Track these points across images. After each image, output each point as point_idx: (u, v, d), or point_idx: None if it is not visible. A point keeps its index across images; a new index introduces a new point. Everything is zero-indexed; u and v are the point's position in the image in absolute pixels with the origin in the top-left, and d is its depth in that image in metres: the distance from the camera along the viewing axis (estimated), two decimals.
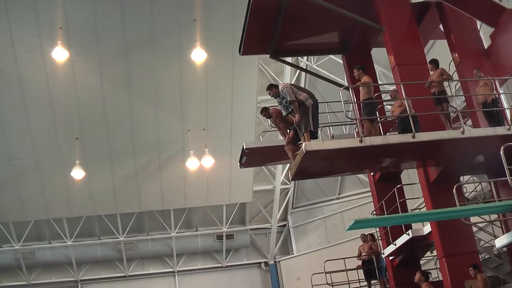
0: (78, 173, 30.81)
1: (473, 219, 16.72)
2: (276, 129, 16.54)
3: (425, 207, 17.38)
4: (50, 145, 30.92)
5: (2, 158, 30.84)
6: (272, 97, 15.76)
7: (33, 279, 36.10)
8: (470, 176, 20.01)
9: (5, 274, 35.88)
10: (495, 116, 15.83)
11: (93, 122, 30.56)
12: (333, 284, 21.28)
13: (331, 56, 30.06)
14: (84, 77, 28.96)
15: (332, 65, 31.34)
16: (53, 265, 36.07)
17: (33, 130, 30.17)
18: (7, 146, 30.43)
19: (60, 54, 26.38)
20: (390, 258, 19.86)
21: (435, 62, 16.44)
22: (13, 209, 33.17)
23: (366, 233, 21.76)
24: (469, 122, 17.90)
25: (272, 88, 15.36)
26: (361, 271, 21.62)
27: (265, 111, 15.83)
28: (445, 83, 16.45)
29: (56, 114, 29.82)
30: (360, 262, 21.50)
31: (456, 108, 17.04)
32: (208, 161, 31.56)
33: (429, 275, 17.76)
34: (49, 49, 26.73)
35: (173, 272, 37.02)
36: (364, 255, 21.17)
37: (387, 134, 17.27)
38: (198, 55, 27.24)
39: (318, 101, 15.14)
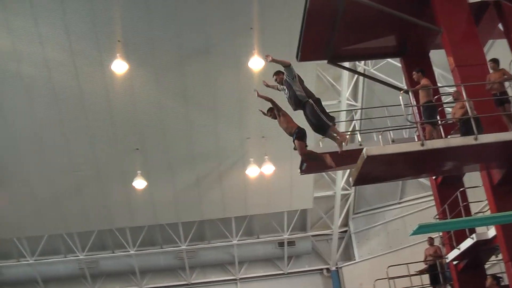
0: (139, 183, 31.29)
1: None
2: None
3: (489, 210, 17.10)
4: (111, 156, 31.39)
5: (65, 170, 31.42)
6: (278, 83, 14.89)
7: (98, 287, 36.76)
8: None
9: (70, 284, 36.61)
10: None
11: (153, 132, 30.90)
12: None
13: (389, 59, 29.75)
14: (142, 88, 29.33)
15: (390, 68, 31.03)
16: (117, 274, 36.56)
17: (94, 141, 30.68)
18: (69, 158, 30.98)
19: (119, 66, 26.79)
20: (454, 262, 19.58)
21: (495, 61, 16.16)
22: (77, 220, 33.77)
23: (433, 237, 21.48)
24: None
25: (279, 74, 14.62)
26: (424, 277, 21.37)
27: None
28: (507, 84, 16.16)
29: (116, 125, 30.24)
30: (425, 266, 21.25)
31: None
32: (268, 169, 31.63)
33: (501, 279, 17.44)
34: (108, 62, 27.16)
35: (235, 279, 37.11)
36: (429, 260, 20.90)
37: (449, 137, 17.00)
38: (256, 63, 27.26)
39: (377, 106, 14.89)
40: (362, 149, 13.87)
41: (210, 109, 30.48)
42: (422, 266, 21.41)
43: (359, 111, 33.85)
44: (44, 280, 36.19)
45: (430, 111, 15.84)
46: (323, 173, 34.78)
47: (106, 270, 36.23)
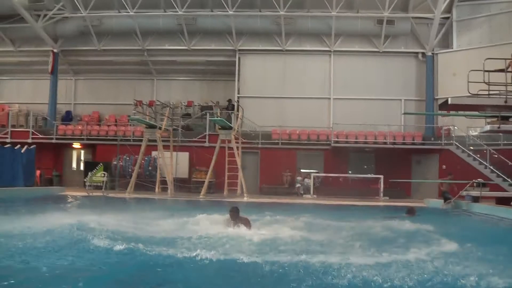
0: None
1: None
2: None
3: None
4: None
5: None
6: None
7: (194, 44, 37.43)
8: None
9: (167, 38, 37.37)
10: None
11: None
12: (490, 83, 20.77)
13: None
14: None
15: None
16: (213, 33, 37.12)
17: None
18: None
19: None
20: None
21: None
22: None
23: None
24: None
25: None
26: None
27: None
28: None
29: None
30: None
31: None
32: None
33: None
34: None
35: (329, 51, 37.24)
36: None
37: None
38: None
39: None
40: None
41: None
42: None
43: None
44: (142, 33, 36.88)
45: None
46: None
47: (203, 28, 36.73)
